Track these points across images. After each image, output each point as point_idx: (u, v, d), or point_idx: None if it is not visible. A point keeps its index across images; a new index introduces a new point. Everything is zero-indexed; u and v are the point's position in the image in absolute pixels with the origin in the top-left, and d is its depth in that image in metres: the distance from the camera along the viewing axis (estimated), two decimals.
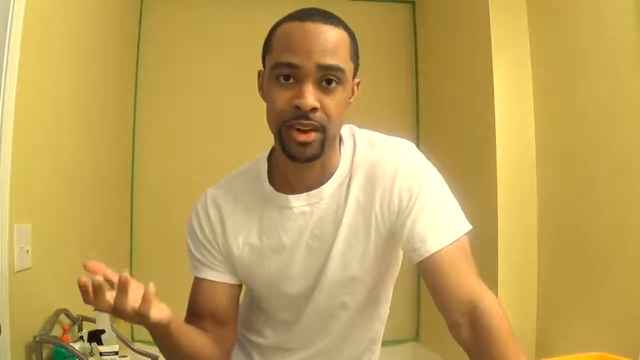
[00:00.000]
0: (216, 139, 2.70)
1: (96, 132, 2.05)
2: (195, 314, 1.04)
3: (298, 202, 0.99)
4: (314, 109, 0.88)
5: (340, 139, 1.01)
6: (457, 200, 0.99)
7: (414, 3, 2.92)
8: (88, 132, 1.95)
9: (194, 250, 1.06)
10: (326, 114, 0.89)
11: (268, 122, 0.94)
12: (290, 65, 0.88)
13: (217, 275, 1.04)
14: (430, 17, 2.75)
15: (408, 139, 1.04)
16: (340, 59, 0.89)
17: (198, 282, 1.06)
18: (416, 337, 2.79)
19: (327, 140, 0.91)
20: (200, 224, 1.05)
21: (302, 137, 0.88)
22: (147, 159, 2.67)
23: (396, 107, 2.86)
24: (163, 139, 2.69)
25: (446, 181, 1.00)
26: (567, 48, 1.80)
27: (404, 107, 2.87)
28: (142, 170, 2.66)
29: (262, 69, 0.98)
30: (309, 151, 0.90)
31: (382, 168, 0.97)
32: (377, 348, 1.17)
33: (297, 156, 0.91)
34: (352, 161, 1.00)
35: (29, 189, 1.42)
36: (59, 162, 1.66)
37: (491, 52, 2.00)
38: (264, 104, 0.95)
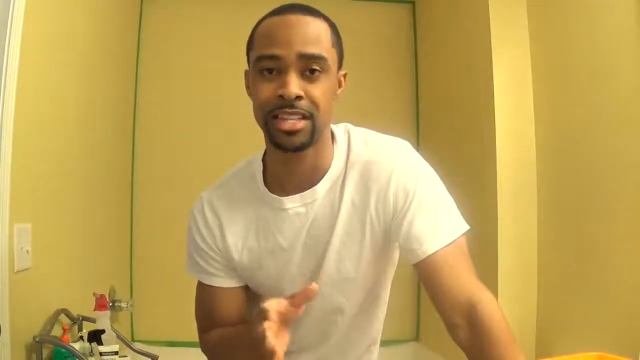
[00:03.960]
0: (216, 138, 2.69)
1: (96, 131, 2.05)
2: (212, 321, 1.04)
3: (292, 203, 0.98)
4: (299, 97, 0.87)
5: (333, 136, 1.00)
6: (457, 200, 0.99)
7: (414, 3, 2.92)
8: (88, 132, 1.95)
9: (197, 258, 1.05)
10: (312, 102, 0.89)
11: (255, 117, 0.94)
12: (272, 57, 0.88)
13: (227, 282, 1.04)
14: (430, 17, 2.75)
15: (408, 139, 1.03)
16: (322, 48, 0.89)
17: (209, 289, 1.05)
18: (416, 337, 2.79)
19: (316, 129, 0.90)
20: (199, 231, 1.03)
21: (288, 125, 0.88)
22: (147, 159, 2.67)
23: (396, 107, 2.86)
24: (163, 139, 2.69)
25: (446, 182, 1.00)
26: (567, 48, 1.80)
27: (403, 107, 2.87)
28: (142, 170, 2.66)
29: (247, 69, 0.98)
30: (297, 139, 0.89)
31: (378, 168, 0.97)
32: (376, 348, 1.17)
33: (285, 145, 0.90)
34: (347, 159, 0.99)
35: (29, 189, 1.42)
36: (59, 162, 1.65)
37: (491, 52, 2.00)
38: None
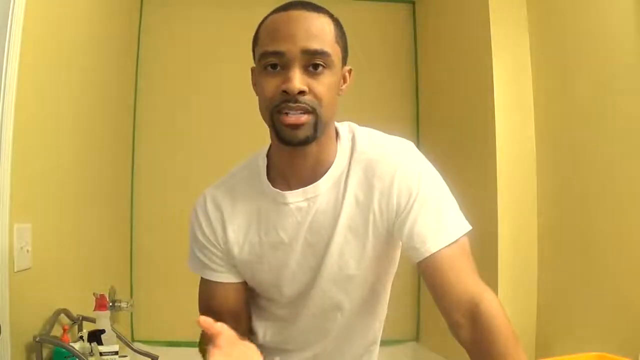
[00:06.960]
0: (216, 138, 2.69)
1: (96, 131, 2.05)
2: (212, 316, 1.05)
3: (294, 197, 0.98)
4: (302, 92, 0.88)
5: (338, 134, 1.01)
6: (457, 200, 0.99)
7: (414, 3, 2.92)
8: (88, 132, 1.95)
9: (198, 253, 1.06)
10: (316, 97, 0.90)
11: (261, 113, 0.95)
12: (275, 53, 0.89)
13: (227, 277, 1.05)
14: (430, 17, 2.75)
15: (408, 139, 1.04)
16: (325, 43, 0.90)
17: (209, 285, 1.06)
18: (416, 337, 2.79)
19: (320, 123, 0.91)
20: (200, 226, 1.04)
21: (292, 119, 0.89)
22: (147, 159, 2.67)
23: (396, 107, 2.85)
24: (163, 139, 2.69)
25: (446, 181, 1.00)
26: (567, 48, 1.80)
27: (404, 107, 2.87)
28: (142, 170, 2.66)
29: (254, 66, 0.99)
30: (301, 133, 0.90)
31: (382, 167, 0.97)
32: (376, 347, 1.18)
33: (290, 139, 0.91)
34: (351, 157, 0.99)
35: (29, 189, 1.42)
36: (59, 162, 1.65)
37: (491, 52, 2.00)
38: None
